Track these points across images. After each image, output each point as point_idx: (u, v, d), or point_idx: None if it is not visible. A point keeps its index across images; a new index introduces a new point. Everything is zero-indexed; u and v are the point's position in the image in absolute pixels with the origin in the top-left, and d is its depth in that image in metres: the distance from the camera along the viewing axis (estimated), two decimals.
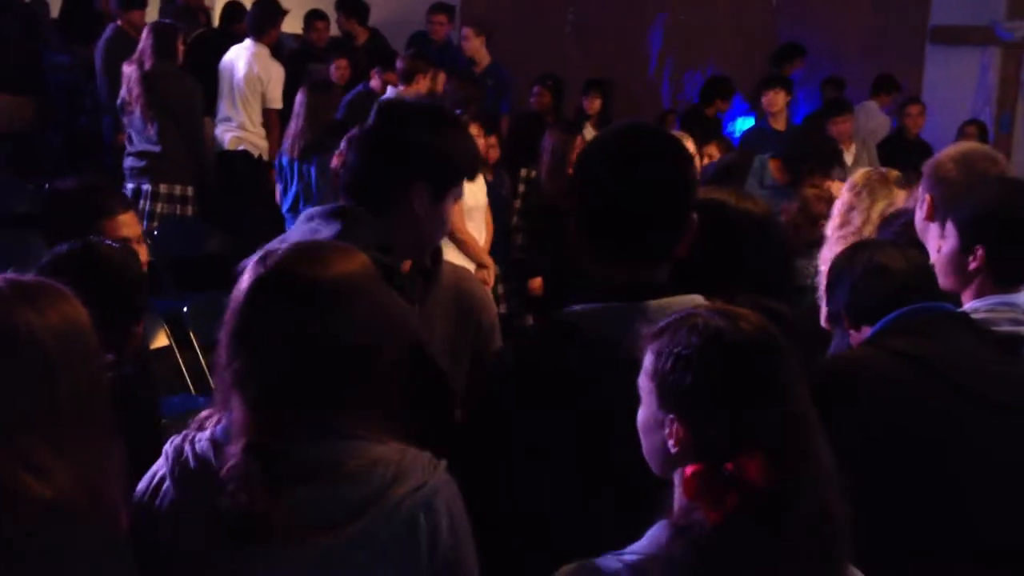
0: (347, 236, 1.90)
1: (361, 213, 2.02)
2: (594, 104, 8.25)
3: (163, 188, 6.55)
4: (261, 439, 1.57)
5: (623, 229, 1.83)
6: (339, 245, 1.71)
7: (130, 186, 6.54)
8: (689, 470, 1.52)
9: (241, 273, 1.65)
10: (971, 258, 2.45)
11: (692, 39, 9.81)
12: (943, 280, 2.45)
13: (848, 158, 7.28)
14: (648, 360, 1.58)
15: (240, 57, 7.15)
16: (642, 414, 1.61)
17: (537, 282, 6.42)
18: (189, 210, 6.66)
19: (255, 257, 1.66)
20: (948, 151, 2.90)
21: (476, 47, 8.08)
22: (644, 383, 1.60)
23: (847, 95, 8.76)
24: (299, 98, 6.29)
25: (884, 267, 2.27)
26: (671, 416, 1.55)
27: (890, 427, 2.07)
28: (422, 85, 6.78)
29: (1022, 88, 9.33)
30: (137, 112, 6.51)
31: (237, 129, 7.15)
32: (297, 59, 7.98)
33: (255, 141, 7.19)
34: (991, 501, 2.14)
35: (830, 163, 5.56)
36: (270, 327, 1.59)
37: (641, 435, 1.61)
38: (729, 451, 1.50)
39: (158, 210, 6.54)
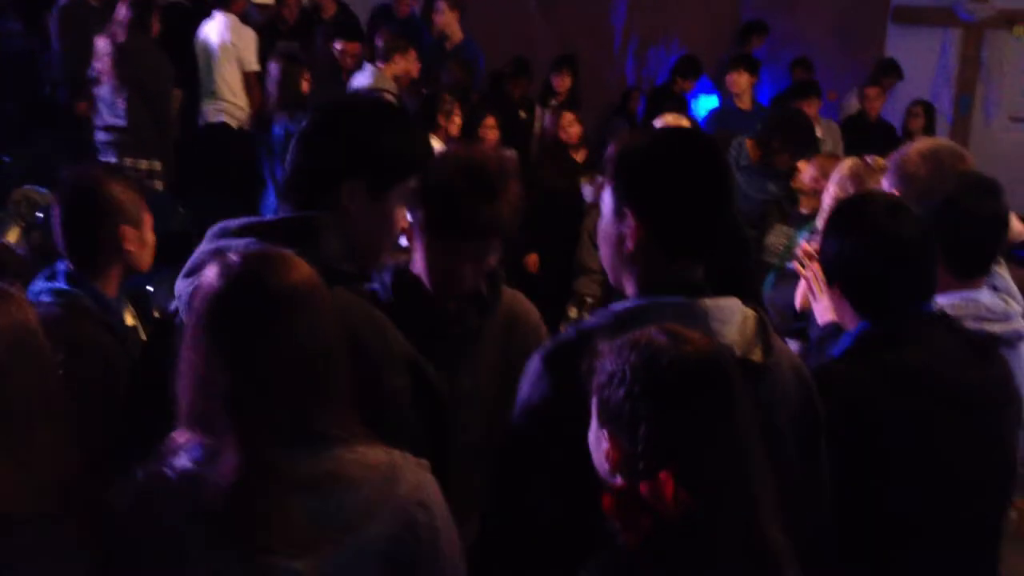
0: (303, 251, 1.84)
1: (313, 224, 1.94)
2: (564, 82, 8.16)
3: (128, 162, 6.46)
4: (255, 451, 1.55)
5: (684, 230, 1.84)
6: (284, 252, 1.68)
7: (101, 160, 6.43)
8: (604, 492, 1.53)
9: (192, 279, 1.62)
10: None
11: (657, 16, 9.79)
12: None
13: None
14: (596, 377, 1.60)
15: (212, 29, 7.12)
16: (591, 429, 1.63)
17: (533, 258, 6.55)
18: (157, 184, 6.56)
19: (210, 268, 1.63)
20: (916, 146, 2.90)
21: (449, 21, 7.95)
22: (593, 399, 1.61)
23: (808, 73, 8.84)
24: (272, 69, 6.31)
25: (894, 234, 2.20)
26: (605, 432, 1.57)
27: (873, 426, 2.10)
28: (400, 66, 6.74)
29: (982, 69, 9.45)
30: (107, 85, 6.46)
31: (216, 100, 7.13)
32: (265, 33, 7.87)
33: (233, 112, 7.15)
34: (969, 497, 2.19)
35: (807, 145, 5.64)
36: (247, 336, 1.57)
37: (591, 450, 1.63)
38: (647, 472, 1.50)
39: None
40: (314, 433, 1.58)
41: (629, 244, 1.84)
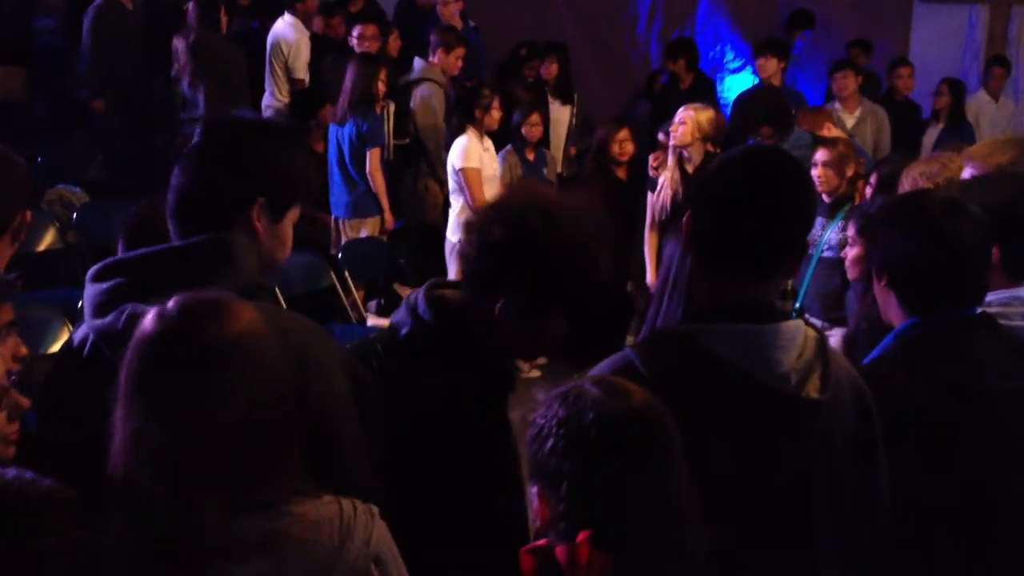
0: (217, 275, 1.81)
1: (231, 245, 1.88)
2: (551, 69, 7.94)
3: None
4: (191, 514, 1.45)
5: (760, 250, 1.82)
6: (224, 298, 1.57)
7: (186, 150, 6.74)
8: (523, 551, 1.49)
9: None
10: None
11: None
12: None
13: (849, 120, 7.31)
14: (529, 427, 1.57)
15: (275, 29, 7.55)
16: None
17: None
18: None
19: (146, 316, 1.54)
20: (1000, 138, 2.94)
21: (452, 13, 7.96)
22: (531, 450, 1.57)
23: (835, 52, 8.78)
24: (348, 70, 6.59)
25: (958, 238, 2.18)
26: (535, 489, 1.55)
27: (914, 442, 2.09)
28: (449, 60, 7.06)
29: (1009, 45, 9.35)
30: (186, 81, 6.99)
31: (270, 97, 7.54)
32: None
33: (280, 109, 7.50)
34: (1006, 509, 2.19)
35: (776, 117, 5.75)
36: (184, 393, 1.47)
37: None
38: (567, 532, 1.46)
39: None
40: (260, 493, 1.49)
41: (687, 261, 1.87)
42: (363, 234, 6.72)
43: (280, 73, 7.53)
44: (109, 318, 1.78)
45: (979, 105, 8.56)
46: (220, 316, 1.51)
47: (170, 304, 1.52)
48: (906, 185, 3.55)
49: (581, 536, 1.44)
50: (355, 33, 7.35)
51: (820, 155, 4.84)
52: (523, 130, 6.53)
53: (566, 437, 1.49)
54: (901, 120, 7.91)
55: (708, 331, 1.77)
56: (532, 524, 1.57)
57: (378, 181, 6.58)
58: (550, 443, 1.50)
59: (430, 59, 7.05)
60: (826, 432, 1.82)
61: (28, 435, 1.90)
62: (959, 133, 8.05)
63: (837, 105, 7.40)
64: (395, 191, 6.91)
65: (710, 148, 5.52)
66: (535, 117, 6.60)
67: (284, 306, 2.25)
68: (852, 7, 9.48)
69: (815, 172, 4.76)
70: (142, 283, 1.80)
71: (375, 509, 1.60)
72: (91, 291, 1.86)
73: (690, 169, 5.58)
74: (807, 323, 1.88)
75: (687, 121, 5.57)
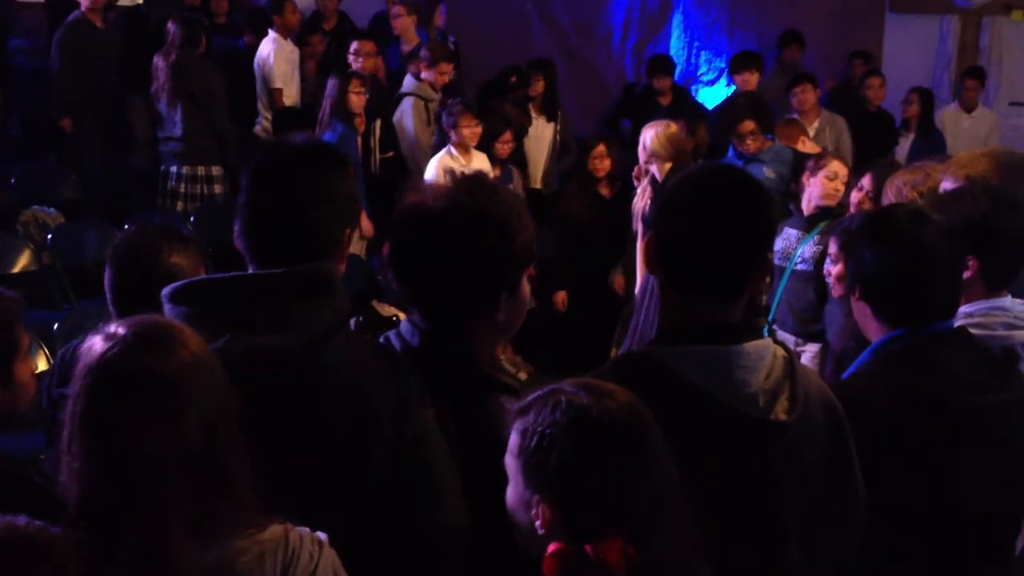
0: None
1: (331, 276, 1.87)
2: (537, 86, 7.87)
3: (186, 170, 7.08)
4: (137, 544, 1.43)
5: (722, 271, 1.83)
6: (174, 325, 1.56)
7: (162, 169, 7.17)
8: (549, 550, 1.51)
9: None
10: (964, 270, 2.51)
11: (653, 11, 9.80)
12: None
13: (809, 132, 7.35)
14: (514, 439, 1.58)
15: (259, 49, 7.70)
16: (510, 494, 1.61)
17: (561, 296, 6.55)
18: (217, 188, 7.15)
19: (94, 341, 1.52)
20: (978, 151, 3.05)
21: (407, 26, 7.97)
22: (511, 463, 1.59)
23: (811, 63, 8.84)
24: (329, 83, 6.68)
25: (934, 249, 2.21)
26: (537, 496, 1.55)
27: (890, 458, 2.11)
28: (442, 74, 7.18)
29: (980, 55, 9.44)
30: (164, 100, 7.04)
31: (260, 116, 7.70)
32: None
33: (266, 125, 7.68)
34: (981, 523, 2.22)
35: (759, 112, 5.85)
36: (128, 423, 1.45)
37: (511, 515, 1.61)
38: (592, 533, 1.49)
39: (181, 190, 7.10)
40: (206, 523, 1.48)
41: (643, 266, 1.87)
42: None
43: (261, 86, 7.62)
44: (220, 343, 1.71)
45: (951, 117, 8.61)
46: (167, 343, 1.49)
47: (118, 330, 1.50)
48: (890, 194, 3.58)
49: (613, 533, 1.48)
50: (352, 48, 7.38)
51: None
52: (496, 146, 6.53)
53: (577, 442, 1.51)
54: (874, 130, 7.97)
55: (674, 354, 1.77)
56: (534, 529, 1.58)
57: None
58: (556, 452, 1.52)
59: (422, 75, 7.13)
60: (795, 452, 1.82)
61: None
62: (930, 143, 8.13)
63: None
64: (383, 205, 6.94)
65: (674, 163, 5.54)
66: (507, 135, 6.59)
67: None
68: (826, 18, 9.55)
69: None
70: (229, 311, 1.76)
71: (323, 538, 1.58)
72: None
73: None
74: (776, 341, 1.88)
75: (648, 141, 5.62)
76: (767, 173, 5.27)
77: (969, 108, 8.68)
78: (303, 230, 1.88)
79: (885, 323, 2.26)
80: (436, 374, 1.85)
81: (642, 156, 5.62)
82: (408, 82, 7.15)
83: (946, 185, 3.12)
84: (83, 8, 7.35)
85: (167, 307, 1.81)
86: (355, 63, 7.30)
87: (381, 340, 1.96)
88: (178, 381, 1.48)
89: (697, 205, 1.83)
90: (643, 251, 1.90)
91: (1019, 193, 2.80)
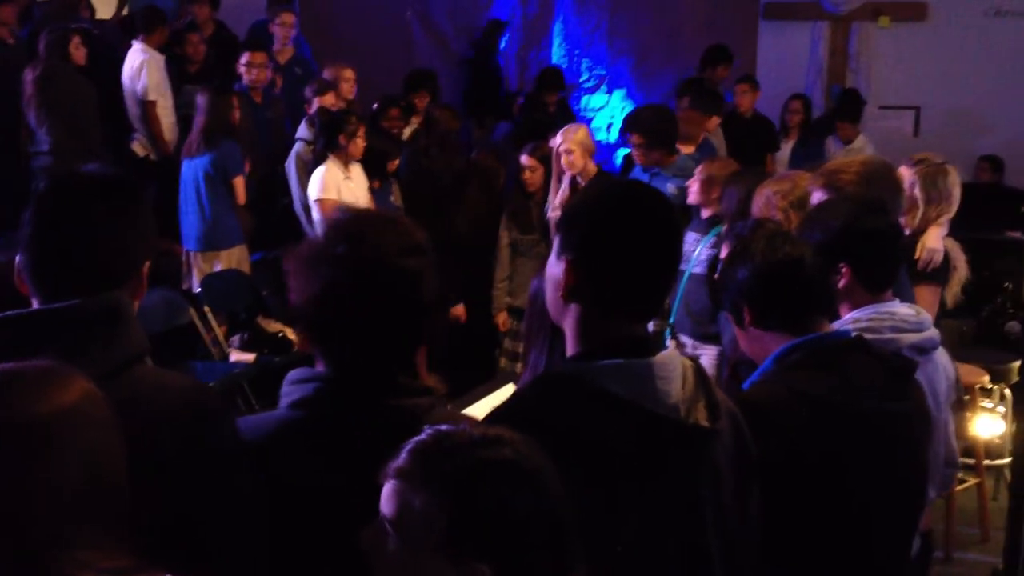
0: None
1: (124, 306, 1.78)
2: (423, 99, 7.83)
3: None
4: None
5: (640, 287, 1.81)
6: (46, 368, 1.45)
7: (32, 186, 6.71)
8: None
9: None
10: (839, 279, 2.58)
11: (534, 19, 9.85)
12: None
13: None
14: (405, 487, 1.48)
15: (127, 58, 7.47)
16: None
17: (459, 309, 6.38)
18: None
19: None
20: (847, 161, 3.18)
21: (284, 35, 7.94)
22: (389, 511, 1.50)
23: (685, 71, 8.99)
24: (200, 99, 6.53)
25: (798, 261, 2.27)
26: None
27: (795, 463, 2.13)
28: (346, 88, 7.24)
29: (851, 60, 9.74)
30: (32, 113, 6.79)
31: (134, 127, 7.50)
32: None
33: (143, 141, 7.50)
34: (881, 526, 2.26)
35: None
36: None
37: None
38: None
39: None
40: (72, 571, 1.38)
41: (560, 291, 1.82)
42: (217, 267, 6.57)
43: (132, 100, 7.43)
44: None
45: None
46: (37, 390, 1.39)
47: None
48: (759, 203, 3.64)
49: None
50: (243, 60, 7.22)
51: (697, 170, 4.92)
52: (387, 164, 6.52)
53: (455, 505, 1.43)
54: (753, 136, 8.14)
55: (599, 369, 1.74)
56: None
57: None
58: (446, 516, 1.43)
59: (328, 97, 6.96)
60: (715, 460, 1.83)
61: None
62: (810, 149, 8.34)
63: None
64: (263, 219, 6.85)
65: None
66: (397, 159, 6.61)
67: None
68: (701, 26, 9.73)
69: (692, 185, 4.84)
70: (14, 347, 1.61)
71: None
72: None
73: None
74: (685, 354, 1.89)
75: (574, 147, 5.63)
76: (670, 189, 5.33)
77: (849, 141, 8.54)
78: (91, 263, 1.78)
79: (781, 334, 2.28)
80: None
81: (576, 164, 5.66)
82: (302, 130, 6.87)
83: (815, 195, 3.19)
84: None
85: None
86: (247, 75, 7.16)
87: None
88: (49, 428, 1.37)
89: (618, 227, 1.81)
90: (563, 274, 1.85)
91: (880, 198, 2.89)
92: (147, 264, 1.87)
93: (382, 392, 1.79)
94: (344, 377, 1.79)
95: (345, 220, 1.86)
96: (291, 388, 1.80)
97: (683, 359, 1.85)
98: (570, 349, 1.86)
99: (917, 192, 3.86)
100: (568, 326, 1.85)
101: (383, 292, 1.77)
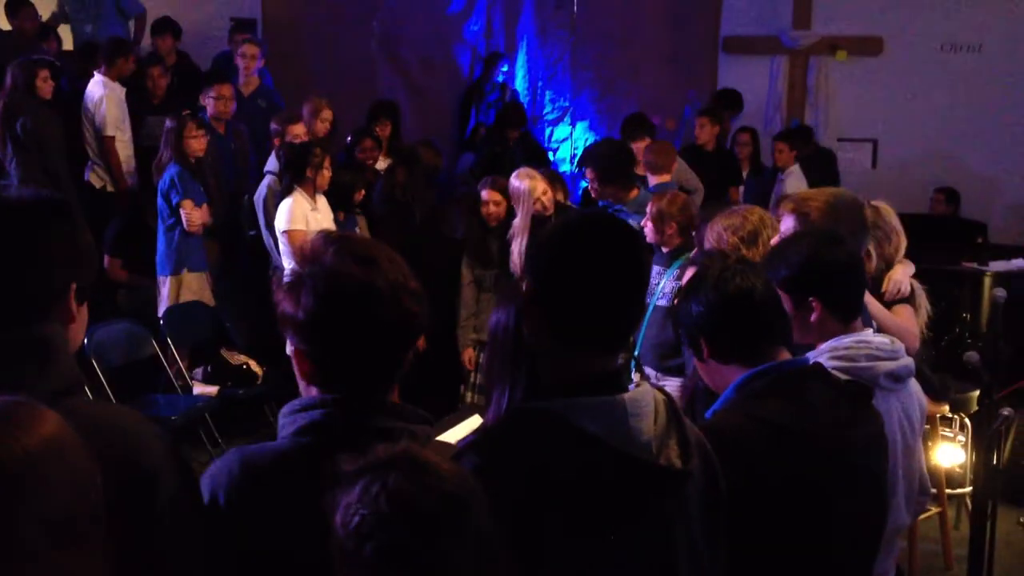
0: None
1: (53, 341, 1.70)
2: (385, 129, 7.89)
3: None
4: None
5: (604, 320, 1.81)
6: (20, 407, 1.39)
7: None
8: None
9: None
10: (810, 313, 2.61)
11: (498, 50, 9.91)
12: (799, 340, 2.58)
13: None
14: (339, 513, 1.48)
15: (87, 89, 7.43)
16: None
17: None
18: None
19: None
20: (815, 194, 3.21)
21: (248, 67, 7.94)
22: (335, 531, 1.49)
23: (647, 105, 9.09)
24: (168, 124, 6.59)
25: (749, 293, 2.29)
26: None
27: (756, 489, 2.14)
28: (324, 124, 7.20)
29: (809, 93, 9.89)
30: None
31: (90, 160, 7.44)
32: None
33: (99, 172, 7.45)
34: (843, 550, 2.29)
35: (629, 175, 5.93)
36: None
37: None
38: None
39: None
40: None
41: (526, 328, 1.84)
42: (164, 291, 6.56)
43: (90, 132, 7.39)
44: None
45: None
46: (12, 430, 1.34)
47: None
48: (711, 238, 3.67)
49: None
50: (211, 93, 7.21)
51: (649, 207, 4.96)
52: (353, 197, 6.55)
53: (384, 532, 1.43)
54: (716, 169, 8.21)
55: (573, 406, 1.74)
56: None
57: (197, 232, 6.60)
58: (366, 537, 1.44)
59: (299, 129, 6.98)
60: (687, 499, 1.84)
61: None
62: (761, 180, 8.45)
63: None
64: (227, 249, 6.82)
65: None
66: (363, 191, 6.63)
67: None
68: (662, 60, 9.85)
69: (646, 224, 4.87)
70: None
71: None
72: None
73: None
74: (654, 385, 1.89)
75: (547, 189, 5.69)
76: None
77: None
78: (11, 292, 1.69)
79: (739, 366, 2.31)
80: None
81: (550, 204, 5.70)
82: (271, 163, 6.85)
83: (784, 221, 3.24)
84: None
85: None
86: (212, 107, 7.16)
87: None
88: (22, 471, 1.32)
89: (587, 259, 1.81)
90: (526, 302, 1.86)
91: (839, 230, 2.94)
92: (73, 288, 1.77)
93: (383, 415, 1.77)
94: (349, 400, 1.76)
95: (356, 243, 1.84)
96: (293, 418, 1.77)
97: (655, 393, 1.85)
98: (543, 381, 1.86)
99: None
100: (540, 357, 1.85)
101: (394, 314, 1.76)
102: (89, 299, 1.84)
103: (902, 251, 4.05)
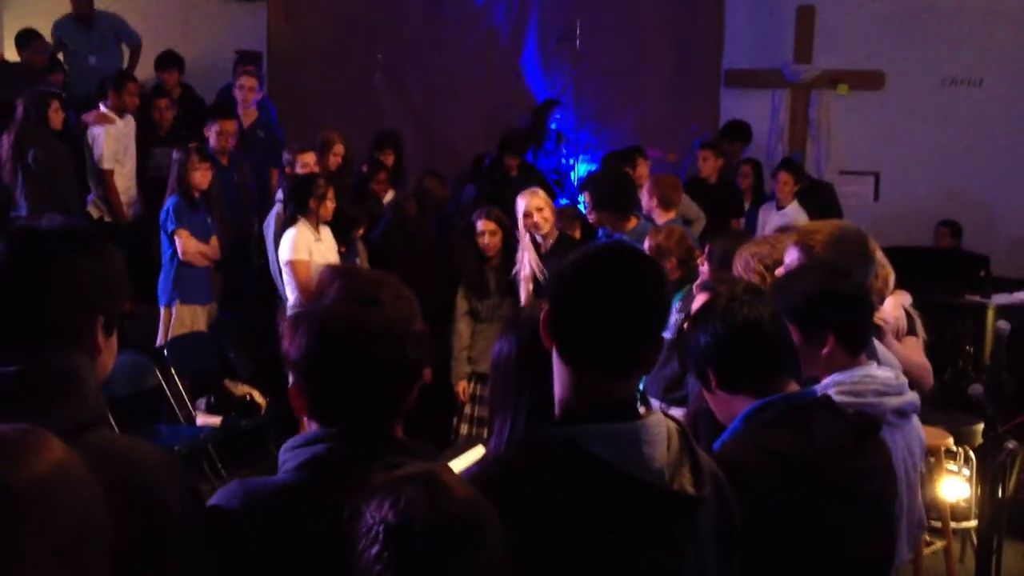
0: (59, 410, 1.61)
1: (77, 370, 1.69)
2: (389, 158, 7.94)
3: None
4: None
5: (619, 348, 1.82)
6: (26, 433, 1.38)
7: None
8: None
9: None
10: (822, 346, 2.60)
11: (504, 79, 9.98)
12: (805, 372, 2.57)
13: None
14: (361, 524, 1.51)
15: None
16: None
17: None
18: None
19: None
20: (821, 227, 3.22)
21: (245, 98, 8.03)
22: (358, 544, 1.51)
23: (649, 137, 9.13)
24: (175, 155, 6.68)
25: (757, 323, 2.29)
26: None
27: (764, 520, 2.14)
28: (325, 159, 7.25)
29: (811, 127, 9.92)
30: (8, 178, 6.84)
31: (92, 190, 7.50)
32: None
33: (99, 204, 7.49)
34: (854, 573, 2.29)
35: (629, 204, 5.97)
36: None
37: None
38: None
39: None
40: None
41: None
42: (160, 321, 6.62)
43: (93, 170, 7.45)
44: None
45: (764, 213, 8.48)
46: (20, 456, 1.34)
47: None
48: (739, 266, 3.69)
49: None
50: (215, 129, 7.25)
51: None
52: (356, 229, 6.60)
53: (390, 546, 1.45)
54: (718, 201, 8.24)
55: (585, 432, 1.75)
56: None
57: (194, 262, 6.63)
58: (375, 549, 1.47)
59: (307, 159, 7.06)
60: (700, 527, 1.84)
61: None
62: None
63: None
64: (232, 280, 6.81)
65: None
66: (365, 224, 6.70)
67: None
68: (665, 92, 9.90)
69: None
70: None
71: None
72: None
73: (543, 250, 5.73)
74: (666, 414, 1.90)
75: (543, 204, 5.74)
76: None
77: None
78: (36, 322, 1.69)
79: (748, 396, 2.31)
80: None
81: (545, 227, 5.76)
82: (286, 159, 7.06)
83: (789, 253, 3.25)
84: None
85: None
86: (215, 141, 7.21)
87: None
88: (30, 496, 1.32)
89: (605, 286, 1.83)
90: (543, 328, 1.88)
91: (845, 262, 2.95)
92: (101, 320, 1.77)
93: (386, 450, 1.77)
94: (351, 435, 1.76)
95: (362, 281, 1.84)
96: (294, 452, 1.77)
97: (668, 421, 1.86)
98: (557, 407, 1.87)
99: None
100: (556, 381, 1.87)
101: (389, 355, 1.76)
102: (118, 330, 1.84)
103: (891, 283, 4.04)
